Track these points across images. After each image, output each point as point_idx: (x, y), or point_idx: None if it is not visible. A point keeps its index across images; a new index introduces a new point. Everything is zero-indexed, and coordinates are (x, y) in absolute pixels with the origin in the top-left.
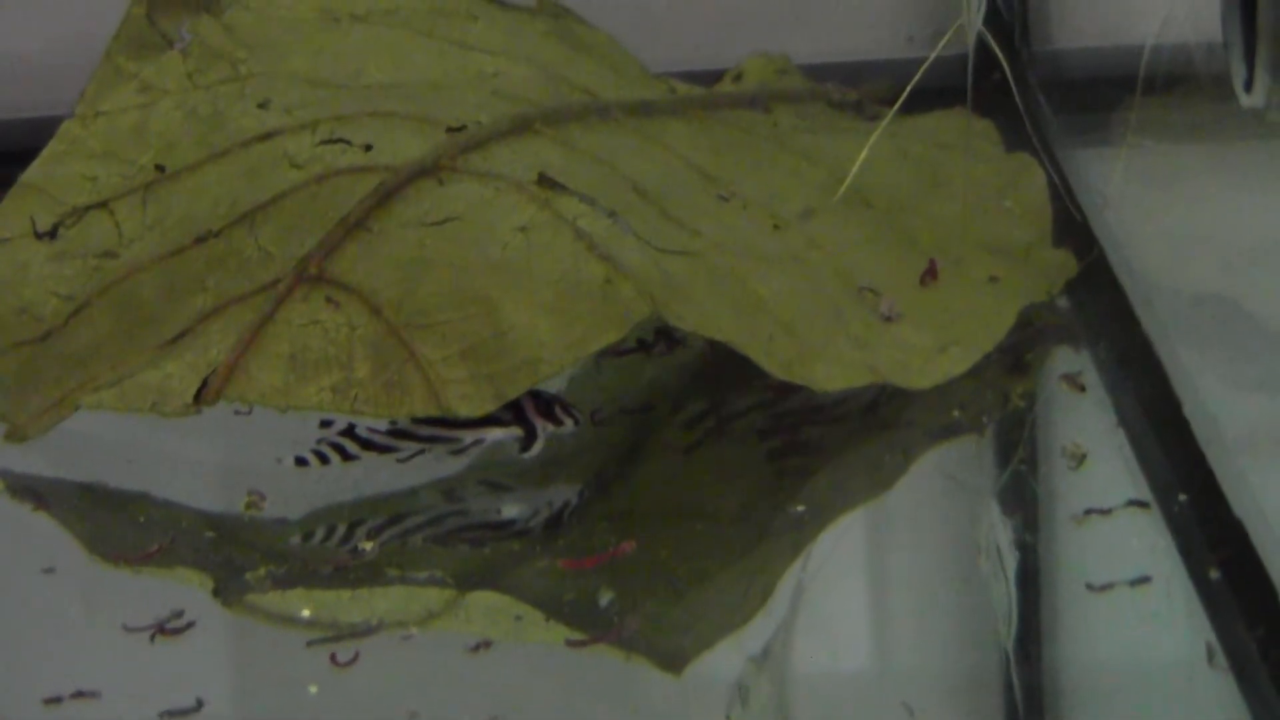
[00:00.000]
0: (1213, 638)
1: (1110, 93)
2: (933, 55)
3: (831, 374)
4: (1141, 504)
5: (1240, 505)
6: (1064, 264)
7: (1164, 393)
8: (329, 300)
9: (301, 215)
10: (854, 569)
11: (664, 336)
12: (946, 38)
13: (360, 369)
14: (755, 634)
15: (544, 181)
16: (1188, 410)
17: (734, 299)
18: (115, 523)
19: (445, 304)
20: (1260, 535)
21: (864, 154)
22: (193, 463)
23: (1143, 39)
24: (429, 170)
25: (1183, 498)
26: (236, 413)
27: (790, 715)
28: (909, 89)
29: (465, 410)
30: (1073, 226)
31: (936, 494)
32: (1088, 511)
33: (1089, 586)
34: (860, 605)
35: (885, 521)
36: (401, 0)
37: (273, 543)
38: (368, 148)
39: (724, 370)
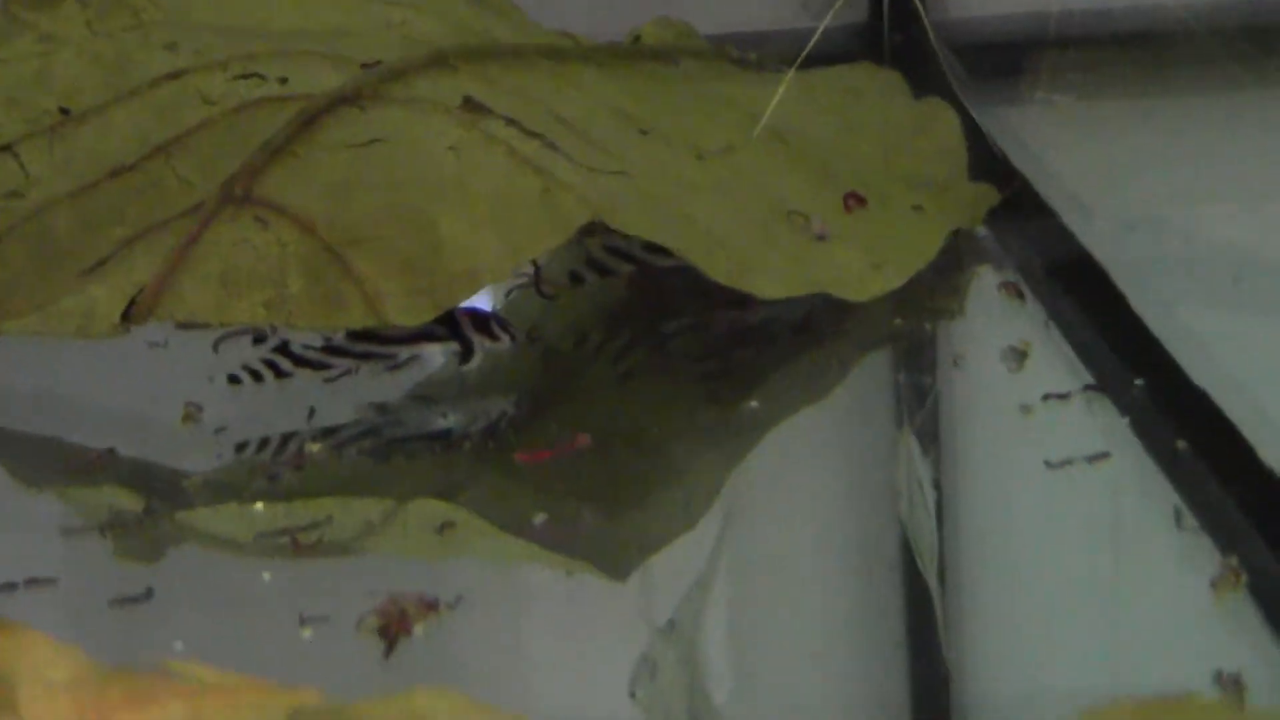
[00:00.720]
0: (1179, 502)
1: (1013, 56)
2: (829, 16)
3: (773, 283)
4: (1096, 389)
5: (1202, 379)
6: (985, 194)
7: (1109, 293)
8: (258, 219)
9: (220, 144)
10: (784, 488)
11: (594, 268)
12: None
13: (293, 284)
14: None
15: (469, 105)
16: (1135, 304)
17: (669, 216)
18: (43, 447)
19: (378, 220)
20: (1229, 400)
21: (778, 94)
22: (122, 391)
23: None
24: (349, 98)
25: (1139, 382)
26: (152, 345)
27: (700, 685)
28: (809, 47)
29: (404, 321)
30: (986, 165)
31: (869, 401)
32: (1045, 397)
33: (1047, 464)
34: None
35: (823, 427)
36: None
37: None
38: (283, 80)
39: (652, 301)
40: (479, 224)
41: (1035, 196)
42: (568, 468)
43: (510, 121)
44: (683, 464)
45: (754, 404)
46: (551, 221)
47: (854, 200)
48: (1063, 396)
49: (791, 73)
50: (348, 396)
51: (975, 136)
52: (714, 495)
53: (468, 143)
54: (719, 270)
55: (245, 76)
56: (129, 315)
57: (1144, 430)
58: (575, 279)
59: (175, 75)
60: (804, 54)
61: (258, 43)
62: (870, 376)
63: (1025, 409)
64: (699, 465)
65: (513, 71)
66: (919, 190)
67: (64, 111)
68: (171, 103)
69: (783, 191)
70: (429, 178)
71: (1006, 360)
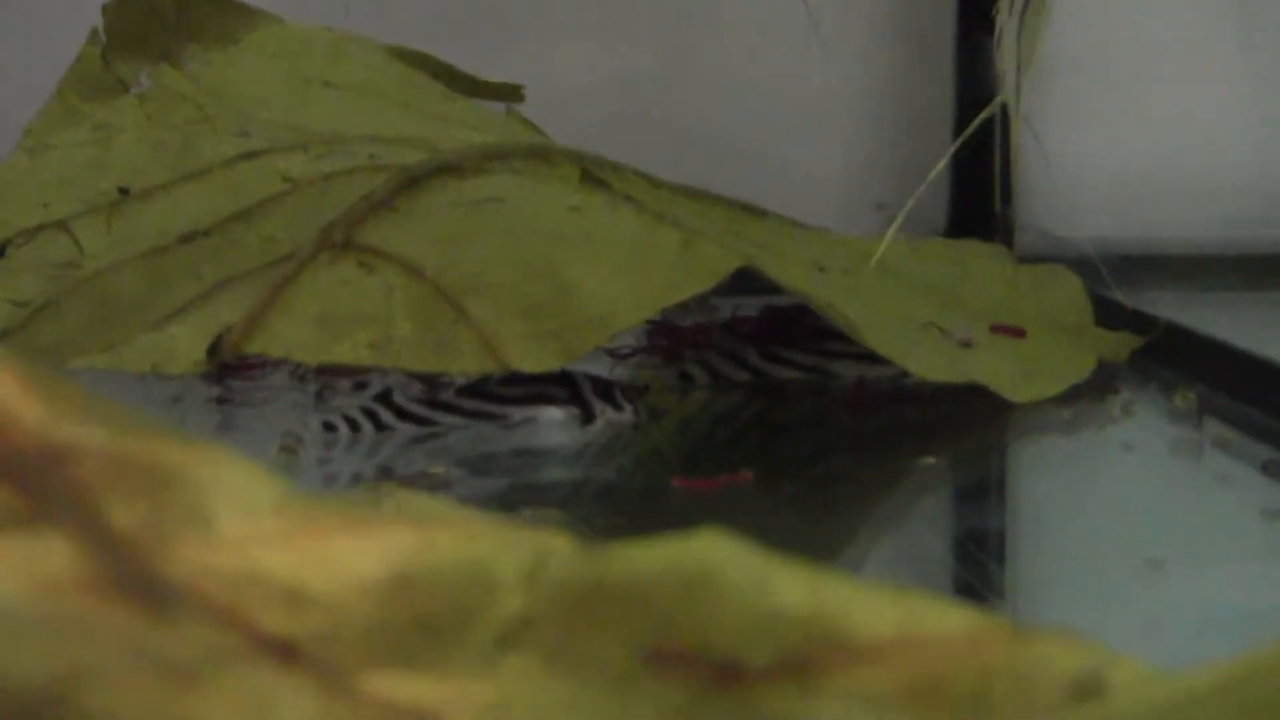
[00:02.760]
0: None
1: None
2: (902, 214)
3: (928, 366)
4: None
5: None
6: (1126, 338)
7: None
8: (361, 264)
9: (309, 207)
10: None
11: (707, 370)
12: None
13: (401, 326)
14: None
15: (588, 178)
16: None
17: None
18: None
19: (496, 268)
20: None
21: (891, 231)
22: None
23: None
24: (452, 167)
25: None
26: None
27: None
28: (893, 229)
29: (526, 366)
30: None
31: None
32: None
33: None
34: None
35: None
36: (373, 76)
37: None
38: (372, 156)
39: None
40: (611, 271)
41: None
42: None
43: (630, 199)
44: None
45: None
46: (693, 269)
47: (1002, 330)
48: None
49: (901, 216)
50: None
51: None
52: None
53: (592, 205)
54: (879, 341)
55: (331, 156)
56: (215, 351)
57: None
58: (685, 378)
59: (251, 156)
60: (895, 225)
61: (336, 134)
62: None
63: None
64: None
65: (619, 173)
66: (1053, 328)
67: (123, 191)
68: (246, 180)
69: (910, 309)
70: (550, 230)
71: None
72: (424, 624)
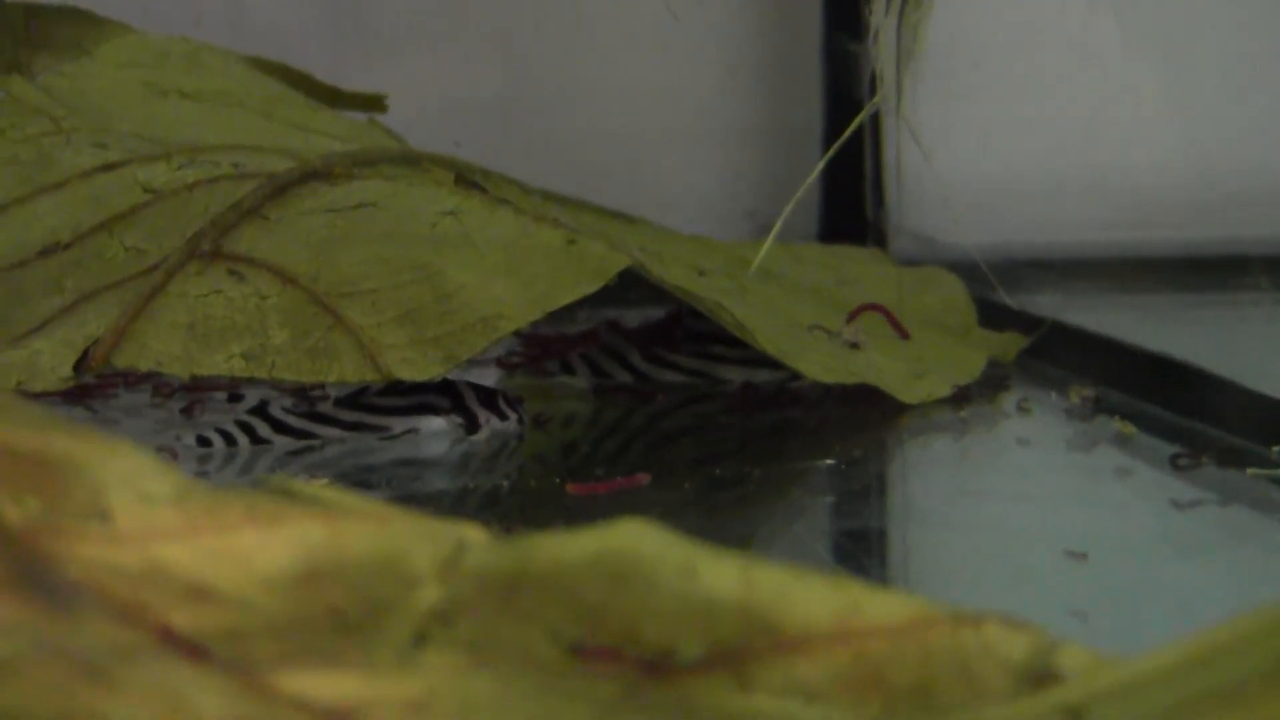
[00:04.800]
0: None
1: None
2: (780, 220)
3: (820, 368)
4: None
5: None
6: (1013, 338)
7: None
8: (231, 273)
9: (175, 216)
10: None
11: (589, 364)
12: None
13: (276, 335)
14: None
15: (462, 181)
16: None
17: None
18: None
19: (373, 273)
20: None
21: (770, 238)
22: None
23: None
24: (320, 174)
25: None
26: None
27: None
28: (775, 228)
29: (408, 374)
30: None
31: None
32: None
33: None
34: None
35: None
36: (232, 85)
37: None
38: (236, 165)
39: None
40: (493, 273)
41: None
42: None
43: (506, 201)
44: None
45: None
46: (579, 269)
47: (894, 326)
48: None
49: (779, 223)
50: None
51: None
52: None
53: (469, 207)
54: (770, 343)
55: (192, 166)
56: (81, 366)
57: None
58: (566, 369)
59: (110, 167)
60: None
61: (197, 145)
62: None
63: None
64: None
65: (490, 179)
66: (940, 329)
67: None
68: (107, 192)
69: (795, 312)
70: (428, 234)
71: None
72: (337, 619)
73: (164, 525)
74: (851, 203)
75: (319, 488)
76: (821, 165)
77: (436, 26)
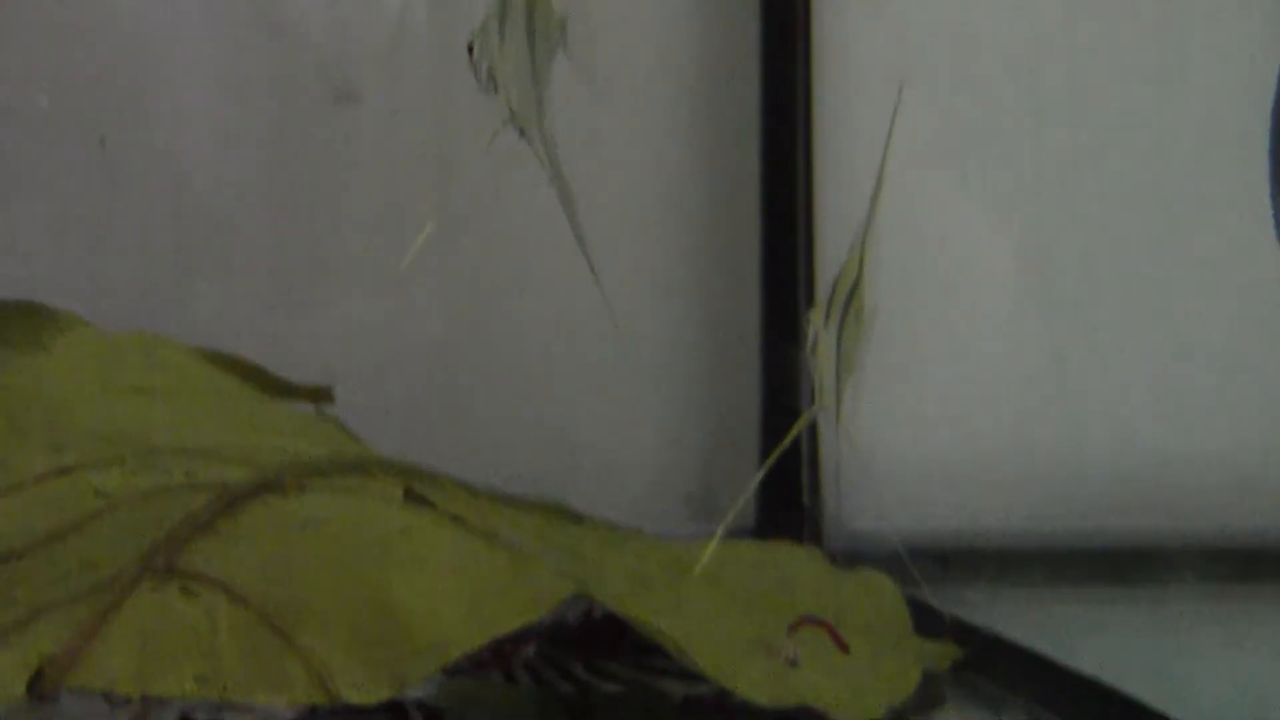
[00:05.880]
0: None
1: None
2: (728, 518)
3: (758, 689)
4: None
5: None
6: (947, 648)
7: None
8: (184, 591)
9: (127, 528)
10: None
11: (529, 672)
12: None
13: (228, 657)
14: None
15: (412, 496)
16: None
17: (652, 605)
18: None
19: (323, 594)
20: None
21: (711, 545)
22: None
23: None
24: (272, 486)
25: None
26: None
27: None
28: (717, 535)
29: (358, 698)
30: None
31: None
32: None
33: None
34: None
35: None
36: (185, 381)
37: None
38: (188, 473)
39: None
40: (441, 596)
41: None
42: None
43: (456, 518)
44: None
45: None
46: (526, 595)
47: (835, 640)
48: None
49: (721, 529)
50: None
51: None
52: None
53: (419, 525)
54: (709, 663)
55: (146, 471)
56: (35, 686)
57: None
58: (508, 676)
59: (64, 471)
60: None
61: (151, 447)
62: None
63: None
64: None
65: (440, 487)
66: (876, 639)
67: None
68: (62, 497)
69: (735, 625)
70: (377, 554)
71: None
72: None
73: None
74: (787, 492)
75: None
76: (760, 476)
77: (368, 283)
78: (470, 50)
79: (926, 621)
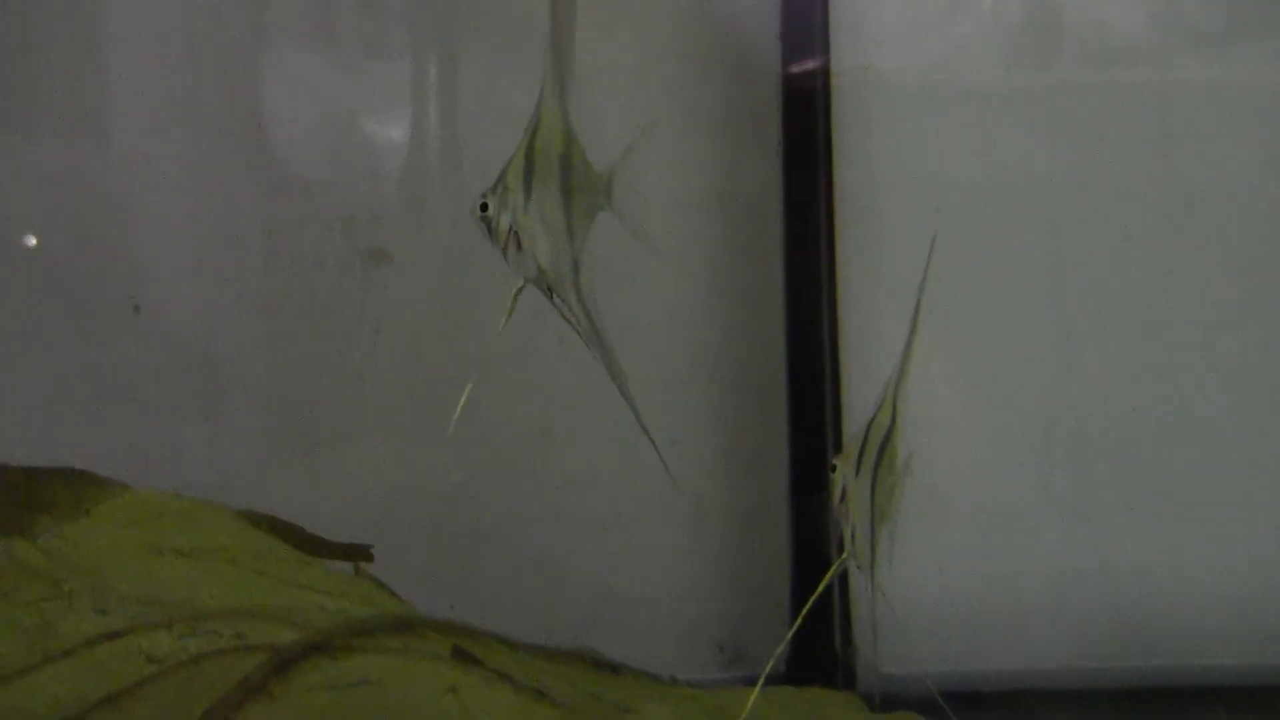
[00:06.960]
0: None
1: None
2: (768, 667)
3: None
4: None
5: None
6: None
7: None
8: None
9: (180, 692)
10: None
11: None
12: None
13: None
14: None
15: (459, 654)
16: None
17: None
18: None
19: None
20: None
21: (756, 689)
22: None
23: None
24: (321, 647)
25: None
26: None
27: None
28: (766, 669)
29: None
30: None
31: None
32: None
33: None
34: None
35: None
36: (225, 541)
37: None
38: (239, 635)
39: None
40: None
41: None
42: None
43: (504, 675)
44: None
45: None
46: None
47: None
48: None
49: (762, 678)
50: None
51: None
52: None
53: (468, 684)
54: None
55: (194, 636)
56: None
57: None
58: None
59: (113, 636)
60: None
61: (193, 612)
62: None
63: None
64: None
65: (485, 644)
66: None
67: None
68: (110, 661)
69: None
70: (429, 714)
71: None
72: None
73: None
74: (819, 637)
75: None
76: (795, 628)
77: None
78: (484, 208)
79: None
